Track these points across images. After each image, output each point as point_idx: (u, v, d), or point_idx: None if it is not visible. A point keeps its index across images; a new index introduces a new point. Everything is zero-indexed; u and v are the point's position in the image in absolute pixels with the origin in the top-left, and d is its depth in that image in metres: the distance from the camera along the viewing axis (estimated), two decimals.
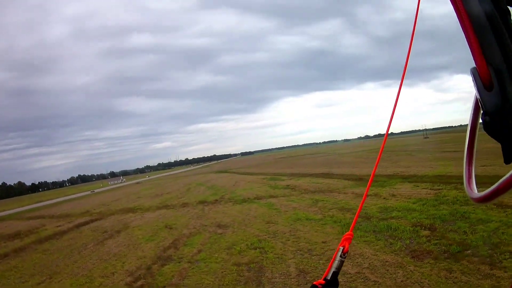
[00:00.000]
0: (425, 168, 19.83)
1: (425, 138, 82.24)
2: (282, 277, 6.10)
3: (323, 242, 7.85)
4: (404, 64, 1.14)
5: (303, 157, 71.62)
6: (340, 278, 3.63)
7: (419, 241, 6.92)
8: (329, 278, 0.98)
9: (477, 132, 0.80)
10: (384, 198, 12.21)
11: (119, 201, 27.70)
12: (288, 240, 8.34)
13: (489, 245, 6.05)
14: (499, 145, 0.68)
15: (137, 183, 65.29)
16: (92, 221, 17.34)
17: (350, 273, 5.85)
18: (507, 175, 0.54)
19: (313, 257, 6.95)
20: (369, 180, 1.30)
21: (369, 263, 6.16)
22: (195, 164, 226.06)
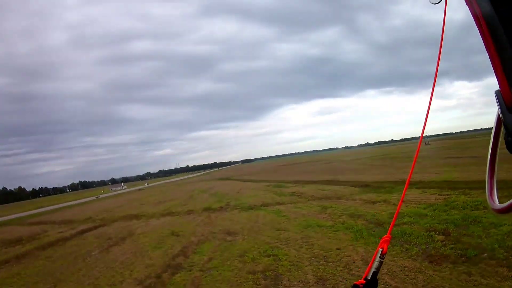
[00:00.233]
0: (430, 174, 19.66)
1: (427, 144, 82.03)
2: (301, 285, 5.88)
3: (337, 249, 7.64)
4: (436, 67, 1.18)
5: (305, 164, 71.46)
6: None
7: (435, 245, 6.84)
8: (369, 278, 1.04)
9: (498, 148, 0.87)
10: (393, 204, 12.09)
11: (122, 207, 27.44)
12: (302, 247, 8.11)
13: (504, 248, 6.02)
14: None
15: (139, 189, 65.02)
16: (95, 227, 17.08)
17: (369, 279, 5.65)
18: None
19: (329, 264, 6.74)
20: (406, 183, 1.39)
21: (388, 269, 6.01)
22: (196, 171, 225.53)
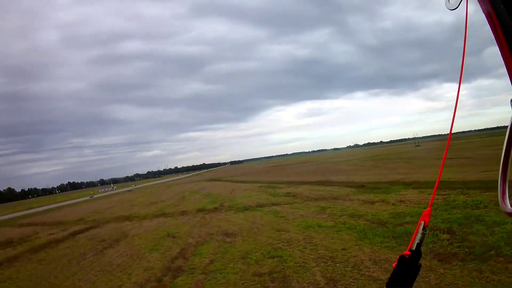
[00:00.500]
0: (425, 175, 19.81)
1: (417, 146, 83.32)
2: (311, 287, 5.71)
3: (343, 249, 7.51)
4: (461, 65, 1.17)
5: (295, 165, 71.57)
6: (373, 285, 5.14)
7: (442, 244, 6.82)
8: (414, 249, 1.08)
9: None
10: (393, 204, 12.08)
11: (112, 208, 26.81)
12: (305, 248, 7.94)
13: (510, 245, 6.06)
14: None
15: (129, 191, 63.98)
16: (87, 229, 16.56)
17: (381, 279, 5.62)
18: None
19: (337, 265, 6.58)
20: (437, 179, 1.32)
21: None
22: (185, 172, 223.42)
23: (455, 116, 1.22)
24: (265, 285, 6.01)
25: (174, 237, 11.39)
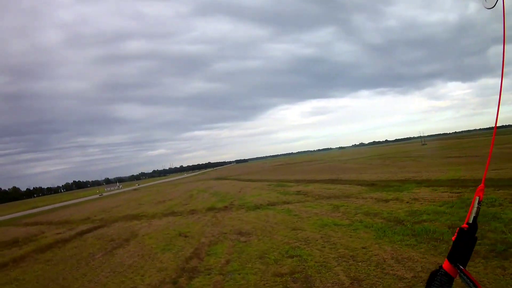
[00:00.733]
0: (436, 173, 19.52)
1: (423, 144, 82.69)
2: (336, 287, 5.45)
3: (363, 248, 7.26)
4: (502, 60, 1.17)
5: (302, 164, 71.26)
6: (399, 284, 5.37)
7: None
8: (471, 222, 1.17)
9: None
10: (407, 202, 11.84)
11: (120, 207, 26.65)
12: (324, 247, 7.67)
13: None
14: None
15: (135, 189, 64.06)
16: (95, 228, 16.40)
17: (407, 278, 5.44)
18: None
19: (359, 264, 6.33)
20: (485, 171, 1.35)
21: (422, 266, 5.82)
22: (190, 171, 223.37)
23: (499, 110, 1.25)
24: (287, 286, 5.72)
25: (186, 236, 11.15)
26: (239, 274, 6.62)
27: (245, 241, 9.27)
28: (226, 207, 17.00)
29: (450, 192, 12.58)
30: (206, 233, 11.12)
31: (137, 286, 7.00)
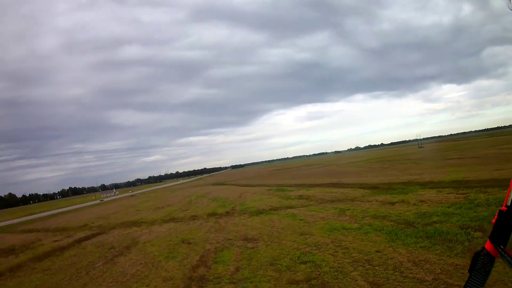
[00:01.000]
0: (438, 175, 19.45)
1: (420, 147, 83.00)
2: None
3: (377, 251, 7.03)
4: None
5: (299, 168, 71.03)
6: (420, 287, 5.24)
7: (477, 242, 6.61)
8: (509, 204, 1.17)
9: None
10: (414, 204, 11.71)
11: (117, 214, 26.10)
12: (337, 252, 7.40)
13: None
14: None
15: (131, 195, 63.27)
16: (93, 235, 15.93)
17: (427, 280, 5.25)
18: None
19: (376, 268, 6.09)
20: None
21: (440, 268, 5.65)
22: (186, 177, 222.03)
23: None
24: None
25: (189, 243, 10.79)
26: (251, 282, 6.30)
27: (252, 247, 8.94)
28: (228, 212, 16.66)
29: (456, 194, 12.51)
30: (211, 240, 10.77)
31: None
